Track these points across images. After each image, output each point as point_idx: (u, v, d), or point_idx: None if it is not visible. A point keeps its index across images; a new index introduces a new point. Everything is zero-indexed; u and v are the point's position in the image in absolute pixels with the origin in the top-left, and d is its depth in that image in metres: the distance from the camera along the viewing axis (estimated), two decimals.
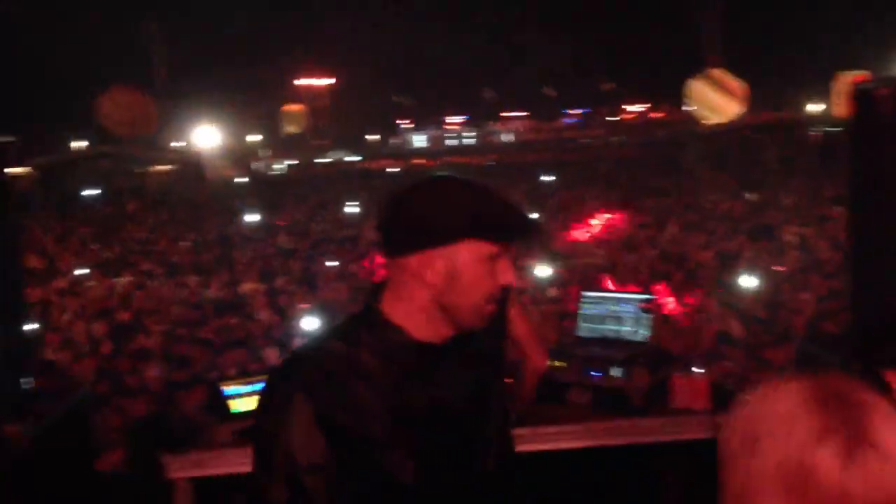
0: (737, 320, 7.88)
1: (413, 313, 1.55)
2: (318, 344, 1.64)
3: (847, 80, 38.11)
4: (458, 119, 53.01)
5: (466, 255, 1.51)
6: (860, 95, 2.73)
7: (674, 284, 9.84)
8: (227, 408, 3.33)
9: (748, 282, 8.90)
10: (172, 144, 38.33)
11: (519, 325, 2.56)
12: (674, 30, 39.50)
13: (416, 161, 42.35)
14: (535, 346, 2.52)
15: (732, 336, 7.66)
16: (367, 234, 16.20)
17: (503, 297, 1.59)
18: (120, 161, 30.18)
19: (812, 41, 35.48)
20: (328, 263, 13.31)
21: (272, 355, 7.70)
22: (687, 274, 10.42)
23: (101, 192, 24.54)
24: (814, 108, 40.98)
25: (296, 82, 45.12)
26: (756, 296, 8.82)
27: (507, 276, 1.55)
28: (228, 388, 3.37)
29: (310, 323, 8.77)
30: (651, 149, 37.58)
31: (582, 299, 3.38)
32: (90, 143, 32.30)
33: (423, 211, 1.52)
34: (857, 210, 2.92)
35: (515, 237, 1.59)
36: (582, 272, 10.45)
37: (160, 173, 33.68)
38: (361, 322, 1.58)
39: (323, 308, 9.83)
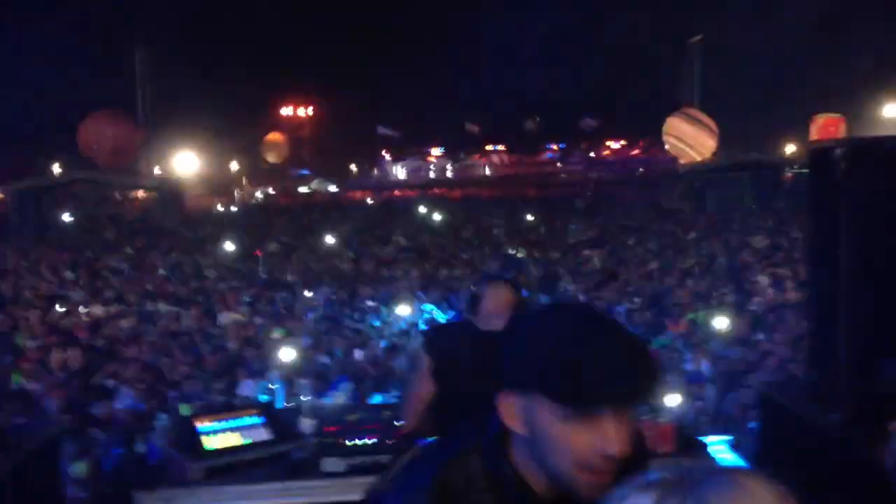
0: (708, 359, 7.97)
1: (523, 461, 1.36)
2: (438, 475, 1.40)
3: (822, 121, 38.98)
4: (440, 151, 53.33)
5: (544, 411, 1.30)
6: (815, 155, 2.82)
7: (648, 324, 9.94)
8: (200, 444, 3.33)
9: (720, 322, 8.99)
10: (153, 171, 38.20)
11: None
12: (654, 68, 40.16)
13: (396, 193, 42.54)
14: None
15: (704, 375, 7.76)
16: (344, 267, 16.23)
17: (611, 467, 1.29)
18: (98, 186, 30.01)
19: (789, 83, 36.19)
20: (307, 294, 13.31)
21: (247, 387, 7.69)
22: (663, 313, 10.53)
23: (78, 219, 24.35)
24: (790, 148, 41.74)
25: (279, 111, 45.31)
26: (728, 335, 8.92)
27: (606, 444, 1.27)
28: (202, 425, 3.37)
29: (286, 354, 8.75)
30: (630, 186, 37.97)
31: None
32: (68, 168, 32.14)
33: (512, 346, 1.36)
34: (813, 263, 3.01)
35: (604, 404, 1.28)
36: None
37: (139, 200, 33.55)
38: (488, 457, 1.39)
39: (300, 339, 9.83)
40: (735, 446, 4.72)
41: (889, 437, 1.96)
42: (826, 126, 38.46)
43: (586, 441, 1.28)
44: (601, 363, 1.27)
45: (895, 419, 2.06)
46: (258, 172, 43.95)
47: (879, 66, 33.13)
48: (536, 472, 1.35)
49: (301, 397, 4.24)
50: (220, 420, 3.37)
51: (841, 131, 38.35)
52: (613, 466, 1.29)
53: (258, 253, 17.24)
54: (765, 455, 3.52)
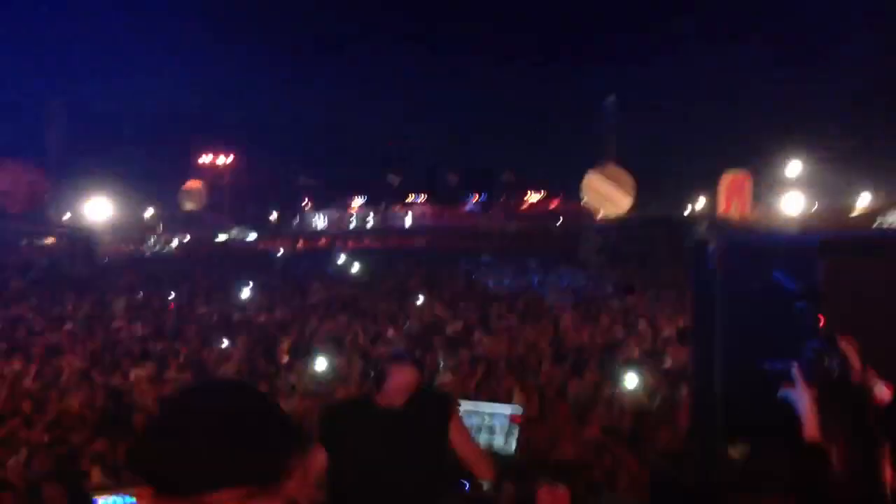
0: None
1: None
2: None
3: (730, 178, 40.71)
4: (361, 201, 53.43)
5: None
6: (696, 246, 3.04)
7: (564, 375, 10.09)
8: None
9: (631, 381, 9.15)
10: (62, 218, 36.98)
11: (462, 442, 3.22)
12: (573, 125, 41.44)
13: (316, 242, 42.31)
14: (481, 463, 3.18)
15: (619, 431, 7.90)
16: (258, 319, 15.97)
17: None
18: (3, 234, 29.00)
19: (700, 142, 37.84)
20: (220, 346, 12.98)
21: None
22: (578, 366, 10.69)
23: None
24: (699, 205, 43.33)
25: (198, 160, 44.72)
26: (639, 391, 9.10)
27: None
28: (103, 500, 3.29)
29: None
30: (548, 238, 38.69)
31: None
32: None
33: None
34: (693, 346, 3.21)
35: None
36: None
37: (46, 248, 32.49)
38: None
39: None
40: None
41: None
42: (733, 183, 40.19)
43: None
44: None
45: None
46: (175, 220, 43.08)
47: (781, 125, 35.02)
48: None
49: None
50: (121, 494, 3.29)
51: (747, 188, 40.17)
52: None
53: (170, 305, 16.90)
54: None
